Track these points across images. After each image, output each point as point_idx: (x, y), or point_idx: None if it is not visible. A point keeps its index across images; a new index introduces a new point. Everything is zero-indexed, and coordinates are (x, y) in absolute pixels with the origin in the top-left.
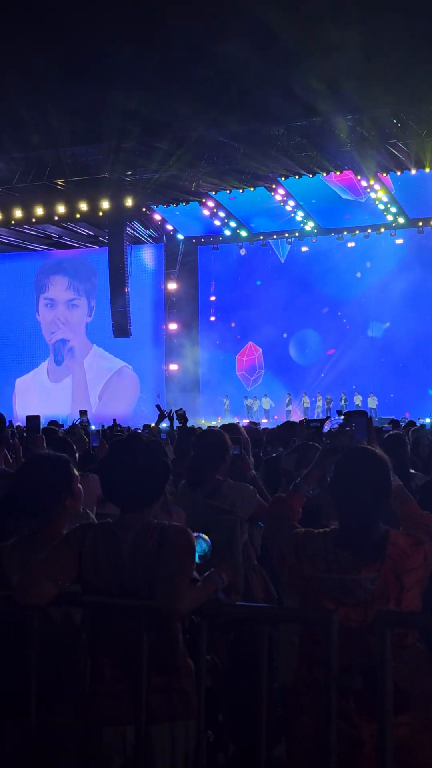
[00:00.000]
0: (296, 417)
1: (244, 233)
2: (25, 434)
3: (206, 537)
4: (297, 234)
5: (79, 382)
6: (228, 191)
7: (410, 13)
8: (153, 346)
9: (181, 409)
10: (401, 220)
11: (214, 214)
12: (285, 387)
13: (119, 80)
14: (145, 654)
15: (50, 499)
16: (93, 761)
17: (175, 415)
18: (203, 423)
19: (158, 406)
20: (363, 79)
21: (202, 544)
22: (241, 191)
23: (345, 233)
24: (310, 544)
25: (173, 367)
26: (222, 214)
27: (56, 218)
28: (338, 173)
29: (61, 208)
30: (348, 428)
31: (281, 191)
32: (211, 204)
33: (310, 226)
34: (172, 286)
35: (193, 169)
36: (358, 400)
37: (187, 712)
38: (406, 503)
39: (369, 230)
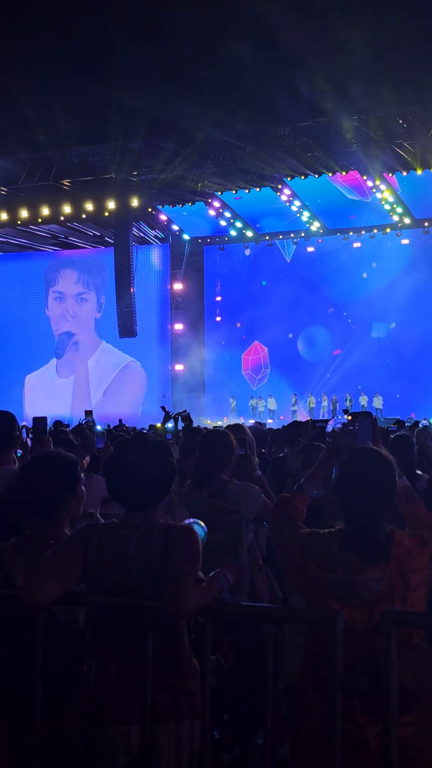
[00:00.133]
0: (302, 417)
1: (249, 233)
2: (32, 435)
3: (202, 523)
4: (303, 234)
5: (81, 380)
6: (234, 191)
7: (417, 13)
8: (159, 346)
9: (185, 411)
10: (407, 221)
11: (219, 215)
12: (290, 387)
13: (125, 80)
14: (151, 654)
15: (54, 500)
16: (98, 761)
17: (179, 417)
18: (209, 423)
19: (163, 407)
20: (369, 79)
21: (198, 530)
22: (246, 191)
23: (351, 233)
24: (315, 544)
25: (179, 367)
26: (228, 215)
27: (62, 218)
28: (344, 173)
29: (67, 209)
30: (351, 427)
31: (287, 191)
32: (216, 204)
33: (315, 226)
34: (177, 286)
35: (198, 169)
36: (363, 400)
37: (192, 711)
38: (412, 503)
39: (375, 230)
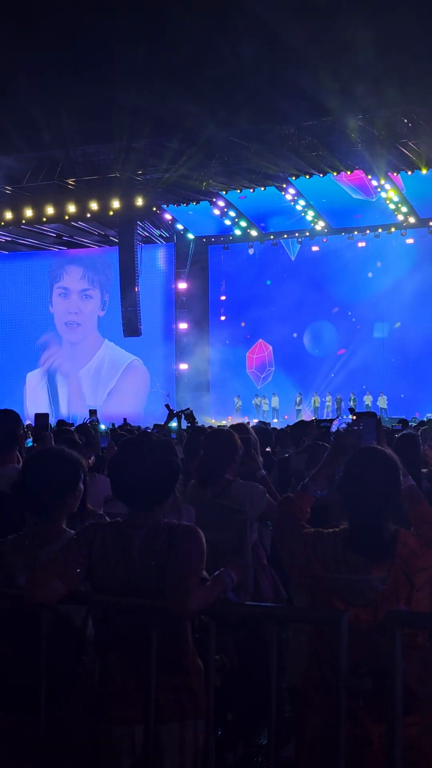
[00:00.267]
0: (306, 416)
1: (254, 233)
2: (33, 432)
3: None
4: (307, 233)
5: (83, 379)
6: (238, 191)
7: (422, 13)
8: (163, 346)
9: (188, 408)
10: (412, 220)
11: (224, 214)
12: (295, 386)
13: (130, 79)
14: (155, 653)
15: (54, 499)
16: (102, 760)
17: (183, 415)
18: (213, 422)
19: (167, 406)
20: (374, 79)
21: None
22: (251, 191)
23: (355, 233)
24: (319, 544)
25: (183, 366)
26: (232, 214)
27: (67, 218)
28: (349, 173)
29: (71, 208)
30: (356, 427)
31: (292, 191)
32: (221, 203)
33: (320, 225)
34: (182, 285)
35: (203, 168)
36: (368, 400)
37: (196, 711)
38: (417, 503)
39: (379, 230)
